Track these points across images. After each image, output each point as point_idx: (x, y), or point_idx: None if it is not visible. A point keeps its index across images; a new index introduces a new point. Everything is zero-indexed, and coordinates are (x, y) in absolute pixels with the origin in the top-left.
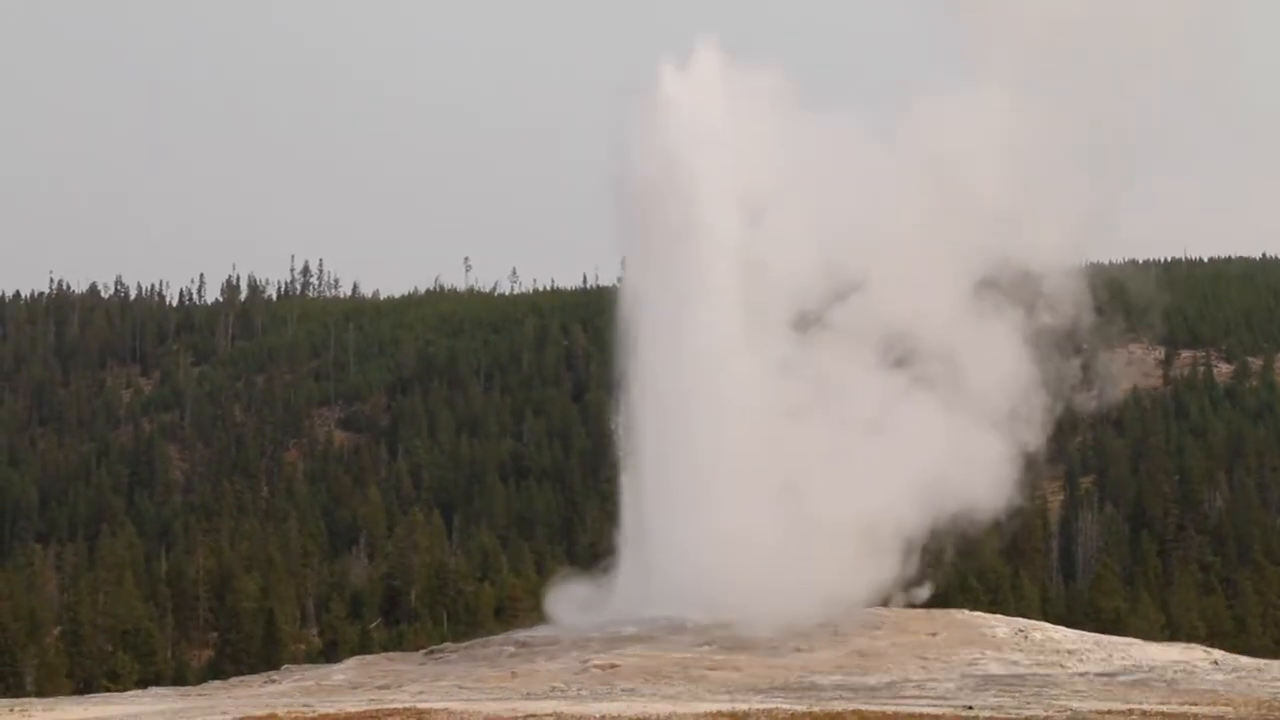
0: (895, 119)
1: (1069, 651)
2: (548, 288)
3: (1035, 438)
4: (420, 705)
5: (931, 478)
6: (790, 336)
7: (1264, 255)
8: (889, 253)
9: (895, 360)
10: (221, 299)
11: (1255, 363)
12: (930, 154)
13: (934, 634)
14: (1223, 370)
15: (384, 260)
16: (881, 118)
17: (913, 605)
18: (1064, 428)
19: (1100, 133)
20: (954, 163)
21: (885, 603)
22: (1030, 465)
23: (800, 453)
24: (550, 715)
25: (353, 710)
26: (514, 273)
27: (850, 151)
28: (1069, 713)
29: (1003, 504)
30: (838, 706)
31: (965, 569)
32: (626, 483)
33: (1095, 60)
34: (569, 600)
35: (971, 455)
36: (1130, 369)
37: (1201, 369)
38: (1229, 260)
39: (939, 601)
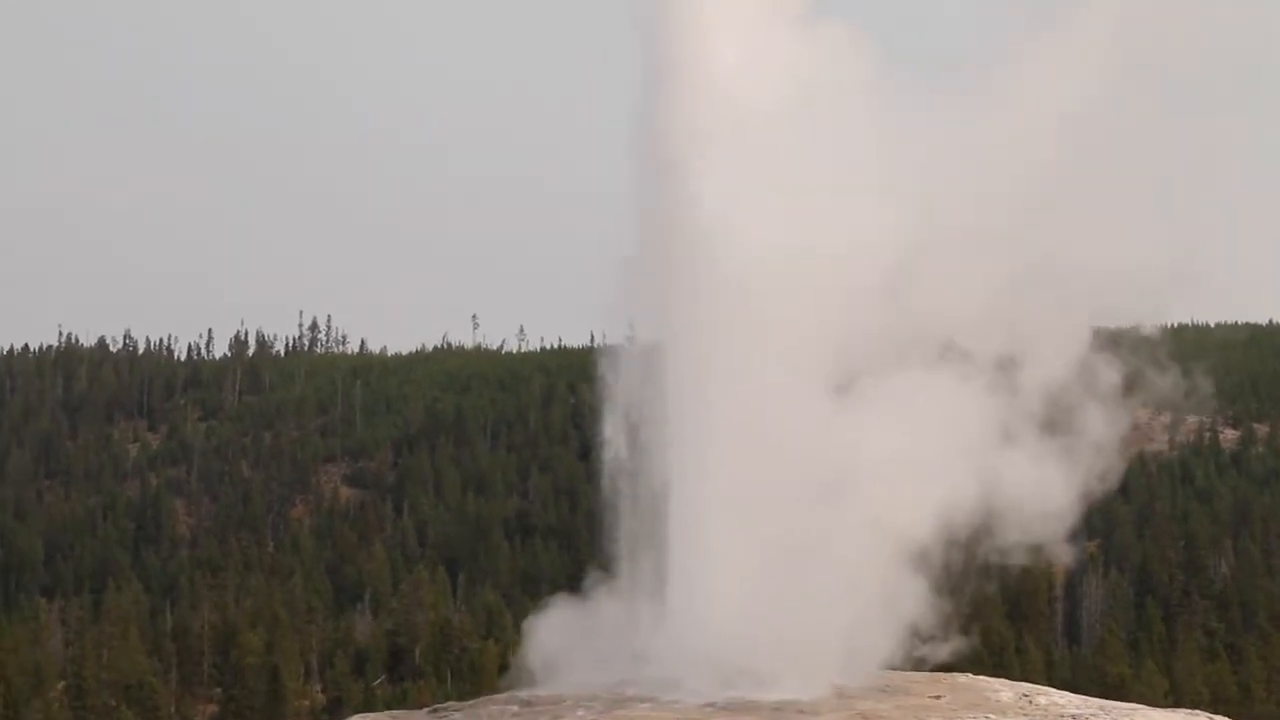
0: (973, 83)
1: (1073, 717)
2: (555, 346)
3: (1109, 476)
4: None
5: (978, 504)
6: (835, 360)
7: (1270, 321)
8: (947, 247)
9: (952, 369)
10: (229, 354)
11: (1261, 429)
12: (1003, 127)
13: (938, 697)
14: (1228, 436)
15: (392, 317)
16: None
17: (919, 668)
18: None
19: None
20: (1027, 137)
21: (896, 664)
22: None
23: (833, 481)
24: None
25: None
26: (521, 330)
27: (915, 125)
28: None
29: (1058, 542)
30: None
31: (971, 631)
32: (628, 535)
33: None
34: (574, 658)
35: (1030, 484)
36: (1135, 433)
37: (1208, 434)
38: (1235, 326)
39: (943, 665)
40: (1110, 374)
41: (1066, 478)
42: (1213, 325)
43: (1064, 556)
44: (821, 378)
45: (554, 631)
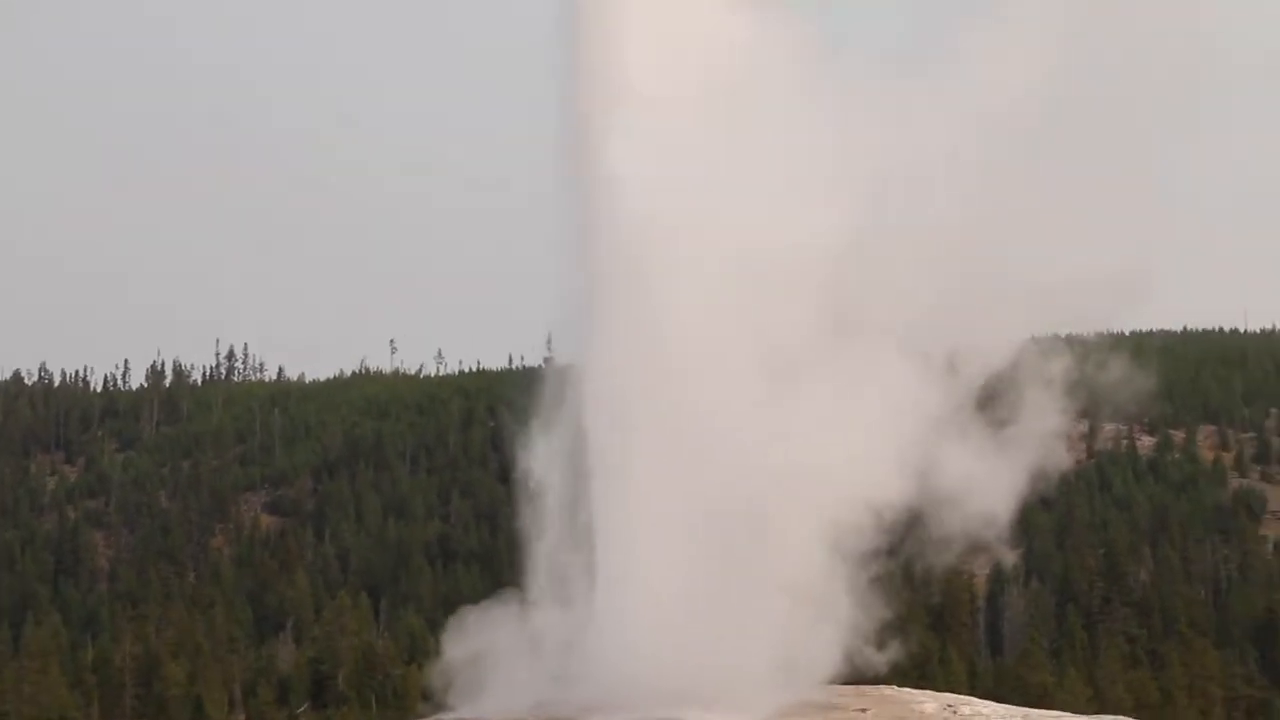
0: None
1: None
2: (473, 369)
3: (1048, 473)
4: None
5: (918, 500)
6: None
7: (1184, 329)
8: (881, 249)
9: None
10: (146, 385)
11: (1178, 435)
12: (936, 126)
13: (864, 710)
14: (1145, 443)
15: (309, 343)
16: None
17: (852, 681)
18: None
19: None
20: (959, 137)
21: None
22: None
23: (764, 491)
24: None
25: None
26: (439, 354)
27: (851, 120)
28: None
29: (995, 541)
30: None
31: (902, 641)
32: (543, 546)
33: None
34: (494, 680)
35: (969, 478)
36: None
37: (1125, 442)
38: (1149, 334)
39: (867, 678)
40: (1048, 373)
41: (1005, 473)
42: (1126, 333)
43: (1003, 556)
44: (749, 382)
45: (472, 653)
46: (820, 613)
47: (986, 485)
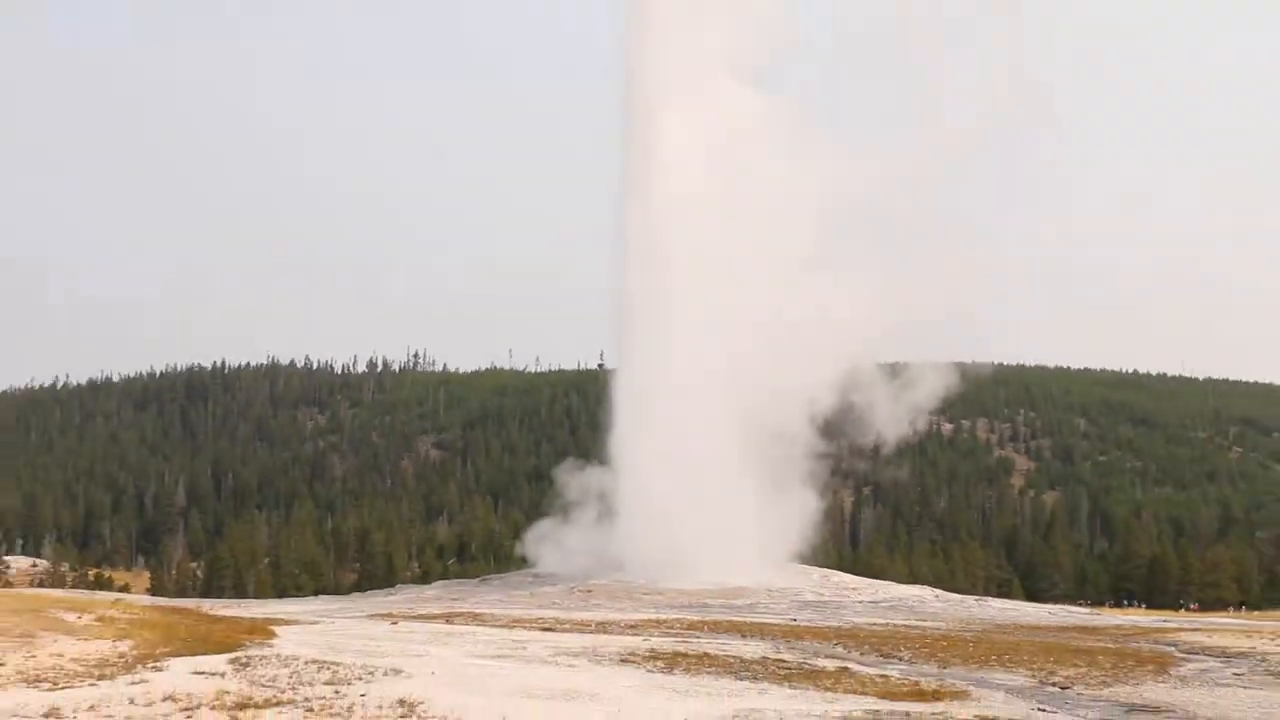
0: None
1: (853, 588)
2: (556, 368)
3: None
4: (476, 610)
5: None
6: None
7: (974, 360)
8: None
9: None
10: (366, 370)
11: (966, 423)
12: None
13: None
14: (947, 428)
15: (463, 347)
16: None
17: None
18: (858, 457)
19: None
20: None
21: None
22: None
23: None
24: (550, 617)
25: (436, 611)
26: (538, 359)
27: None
28: (851, 624)
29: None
30: (717, 616)
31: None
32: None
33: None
34: (564, 550)
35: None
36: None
37: (935, 425)
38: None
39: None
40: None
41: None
42: (942, 362)
43: (894, 469)
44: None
45: (548, 543)
46: (780, 509)
47: (886, 413)
